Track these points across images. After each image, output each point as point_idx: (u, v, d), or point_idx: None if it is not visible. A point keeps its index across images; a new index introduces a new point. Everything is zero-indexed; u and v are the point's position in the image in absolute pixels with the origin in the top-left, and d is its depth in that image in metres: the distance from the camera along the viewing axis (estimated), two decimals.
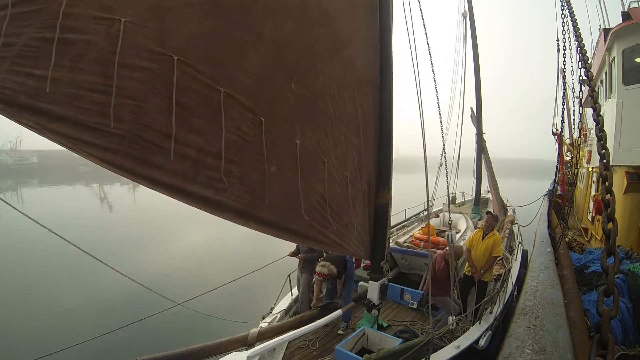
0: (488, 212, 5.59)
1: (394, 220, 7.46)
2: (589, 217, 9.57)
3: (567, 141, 15.19)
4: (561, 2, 6.08)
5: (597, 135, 2.10)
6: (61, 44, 1.90)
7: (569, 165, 14.34)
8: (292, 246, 5.45)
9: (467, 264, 5.29)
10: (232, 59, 2.59)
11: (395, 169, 4.56)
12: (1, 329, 7.28)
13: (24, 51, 1.84)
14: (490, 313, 4.47)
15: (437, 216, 10.24)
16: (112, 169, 2.08)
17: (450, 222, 4.88)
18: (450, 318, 4.62)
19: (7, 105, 1.83)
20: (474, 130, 11.61)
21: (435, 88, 4.83)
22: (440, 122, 5.27)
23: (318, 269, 4.50)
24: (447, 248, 4.67)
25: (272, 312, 4.61)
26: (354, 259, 5.63)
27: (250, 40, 2.69)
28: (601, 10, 10.51)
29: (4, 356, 6.32)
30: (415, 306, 5.57)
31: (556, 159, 11.16)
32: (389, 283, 4.61)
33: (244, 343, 3.09)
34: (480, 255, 5.15)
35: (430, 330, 3.63)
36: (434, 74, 4.46)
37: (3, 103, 1.82)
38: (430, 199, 4.18)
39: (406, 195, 8.26)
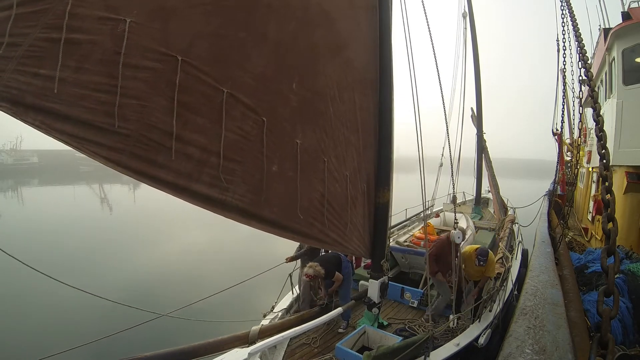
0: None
1: (395, 219, 7.46)
2: (589, 217, 9.58)
3: (567, 141, 15.19)
4: (561, 2, 6.10)
5: (597, 135, 2.12)
6: (67, 45, 1.91)
7: (569, 165, 14.33)
8: (290, 245, 5.44)
9: None
10: (235, 60, 2.60)
11: (396, 169, 4.56)
12: (1, 329, 7.29)
13: (30, 51, 1.85)
14: (490, 311, 4.48)
15: (437, 216, 10.25)
16: (118, 168, 2.09)
17: (456, 221, 4.80)
18: (450, 316, 4.63)
19: (13, 104, 1.84)
20: (474, 130, 11.62)
21: (440, 88, 4.81)
22: (446, 121, 5.22)
23: (305, 269, 4.45)
24: (451, 232, 4.61)
25: (274, 311, 4.63)
26: (354, 258, 5.64)
27: (253, 41, 2.70)
28: (601, 10, 10.52)
29: (4, 356, 6.33)
30: (415, 305, 5.58)
31: (556, 159, 11.18)
32: (389, 282, 4.63)
33: (246, 340, 3.12)
34: (473, 273, 5.07)
35: (430, 327, 3.64)
36: (438, 73, 4.43)
37: (9, 102, 1.83)
38: (430, 198, 4.17)
39: (407, 195, 8.28)
